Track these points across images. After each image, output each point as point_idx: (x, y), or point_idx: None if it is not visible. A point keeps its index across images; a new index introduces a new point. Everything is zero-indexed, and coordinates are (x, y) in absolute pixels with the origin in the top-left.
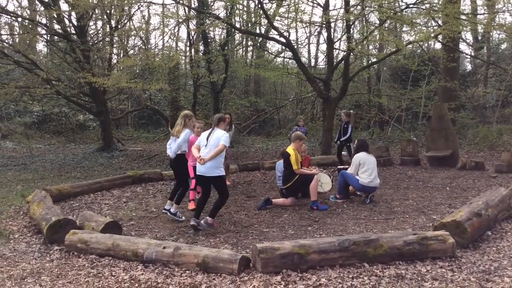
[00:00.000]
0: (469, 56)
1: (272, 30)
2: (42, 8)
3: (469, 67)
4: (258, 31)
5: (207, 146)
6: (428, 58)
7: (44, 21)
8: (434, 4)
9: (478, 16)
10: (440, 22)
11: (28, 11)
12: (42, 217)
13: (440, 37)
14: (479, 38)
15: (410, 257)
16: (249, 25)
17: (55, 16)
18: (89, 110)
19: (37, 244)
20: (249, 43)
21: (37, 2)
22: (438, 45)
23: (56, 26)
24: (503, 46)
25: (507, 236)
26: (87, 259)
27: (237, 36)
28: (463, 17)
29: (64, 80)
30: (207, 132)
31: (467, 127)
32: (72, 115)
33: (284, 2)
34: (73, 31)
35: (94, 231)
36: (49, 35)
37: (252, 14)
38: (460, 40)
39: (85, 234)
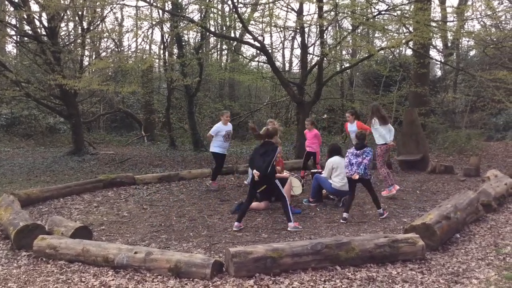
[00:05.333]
0: (439, 62)
1: (247, 34)
2: (12, 9)
3: (439, 73)
4: (232, 35)
5: None
6: (399, 64)
7: (13, 21)
8: (405, 11)
9: (447, 24)
10: (411, 28)
11: None
12: (9, 222)
13: (411, 43)
14: (449, 44)
15: (381, 259)
16: (224, 29)
17: (25, 17)
18: (59, 113)
19: (4, 250)
20: (224, 46)
21: (6, 2)
22: (409, 51)
23: (26, 27)
24: (472, 52)
25: (475, 239)
26: (56, 265)
27: (212, 39)
28: (433, 24)
29: (34, 82)
30: None
31: (437, 131)
32: (42, 118)
33: (258, 6)
34: (44, 33)
35: (64, 237)
36: (18, 36)
37: (227, 18)
38: (431, 46)
39: (54, 240)
